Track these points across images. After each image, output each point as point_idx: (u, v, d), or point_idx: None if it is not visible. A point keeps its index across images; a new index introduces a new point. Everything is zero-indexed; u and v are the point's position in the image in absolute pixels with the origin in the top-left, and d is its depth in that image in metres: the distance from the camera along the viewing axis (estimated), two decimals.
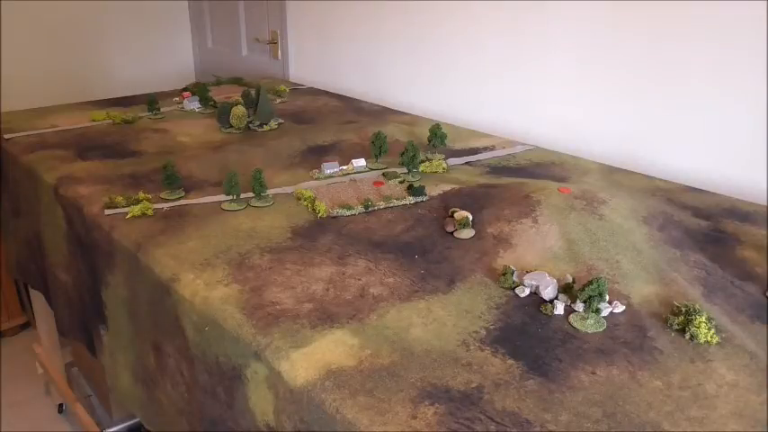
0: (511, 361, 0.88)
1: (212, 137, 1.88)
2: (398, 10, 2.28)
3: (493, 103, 2.05)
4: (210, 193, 1.46)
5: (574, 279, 1.04)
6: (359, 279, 1.09)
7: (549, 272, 1.07)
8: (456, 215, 1.27)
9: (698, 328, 0.93)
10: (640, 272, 1.10)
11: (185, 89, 2.33)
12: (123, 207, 1.36)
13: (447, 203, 1.37)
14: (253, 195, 1.41)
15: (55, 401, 2.52)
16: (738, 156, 1.51)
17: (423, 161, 1.59)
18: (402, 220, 1.31)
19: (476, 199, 1.36)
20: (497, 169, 1.61)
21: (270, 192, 1.44)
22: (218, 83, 2.53)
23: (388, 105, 2.34)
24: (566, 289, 1.03)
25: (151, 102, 2.11)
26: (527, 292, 1.04)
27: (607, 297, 0.98)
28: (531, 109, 1.94)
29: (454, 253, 1.17)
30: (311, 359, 0.88)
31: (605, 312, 0.99)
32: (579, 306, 0.99)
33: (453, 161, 1.67)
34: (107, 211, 1.36)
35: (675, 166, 1.63)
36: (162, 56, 3.48)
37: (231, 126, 1.94)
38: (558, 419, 0.77)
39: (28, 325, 3.01)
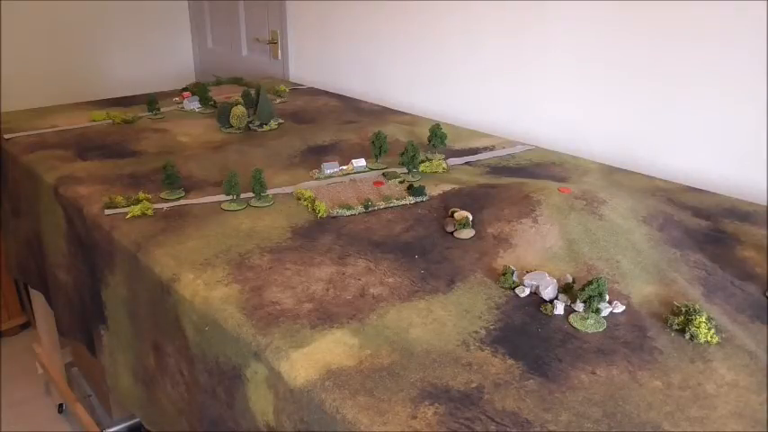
0: (511, 361, 0.88)
1: (212, 137, 1.88)
2: (399, 10, 2.28)
3: (493, 102, 2.05)
4: (210, 193, 1.46)
5: (574, 279, 1.04)
6: (359, 279, 1.09)
7: (549, 272, 1.07)
8: (456, 215, 1.27)
9: (698, 328, 0.93)
10: (640, 272, 1.10)
11: (185, 89, 2.33)
12: (123, 207, 1.36)
13: (447, 203, 1.37)
14: (253, 195, 1.41)
15: (55, 401, 2.52)
16: (738, 156, 1.51)
17: (423, 161, 1.59)
18: (402, 220, 1.31)
19: (476, 199, 1.36)
20: (497, 169, 1.61)
21: (270, 192, 1.44)
22: (218, 83, 2.53)
23: (388, 105, 2.34)
24: (566, 289, 1.03)
25: (151, 102, 2.11)
26: (527, 292, 1.04)
27: (607, 297, 0.98)
28: (532, 109, 1.94)
29: (454, 253, 1.17)
30: (311, 359, 0.88)
31: (605, 312, 0.99)
32: (579, 306, 0.99)
33: (453, 161, 1.67)
34: (107, 211, 1.36)
35: (675, 166, 1.63)
36: (162, 56, 3.48)
37: (231, 126, 1.94)
38: (558, 419, 0.77)
39: (28, 325, 3.01)
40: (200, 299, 1.05)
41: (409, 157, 1.53)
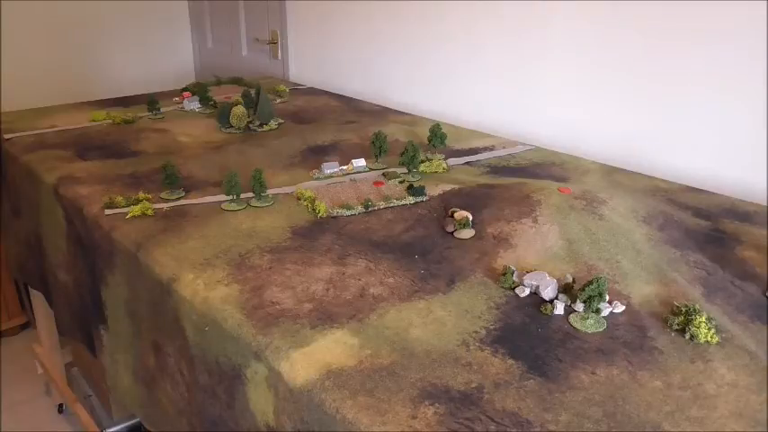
0: (511, 361, 0.88)
1: (212, 137, 1.88)
2: (399, 10, 2.28)
3: (493, 102, 2.05)
4: (210, 193, 1.46)
5: (574, 279, 1.04)
6: (359, 279, 1.09)
7: (549, 272, 1.07)
8: (456, 215, 1.27)
9: (698, 328, 0.93)
10: (640, 272, 1.10)
11: (185, 89, 2.33)
12: (123, 207, 1.36)
13: (447, 203, 1.37)
14: (253, 195, 1.41)
15: (55, 401, 2.52)
16: (738, 156, 1.51)
17: (423, 161, 1.59)
18: (402, 220, 1.31)
19: (476, 199, 1.36)
20: (497, 169, 1.61)
21: (270, 192, 1.44)
22: (218, 83, 2.53)
23: (388, 105, 2.34)
24: (566, 289, 1.03)
25: (151, 102, 2.11)
26: (527, 292, 1.04)
27: (607, 297, 0.98)
28: (532, 109, 1.94)
29: (454, 253, 1.17)
30: (311, 359, 0.88)
31: (605, 312, 0.99)
32: (579, 306, 0.99)
33: (453, 161, 1.67)
34: (107, 211, 1.36)
35: (676, 166, 1.63)
36: (162, 56, 3.48)
37: (231, 126, 1.94)
38: (558, 419, 0.77)
39: (28, 325, 3.01)
40: (200, 299, 1.05)
41: (409, 157, 1.53)
